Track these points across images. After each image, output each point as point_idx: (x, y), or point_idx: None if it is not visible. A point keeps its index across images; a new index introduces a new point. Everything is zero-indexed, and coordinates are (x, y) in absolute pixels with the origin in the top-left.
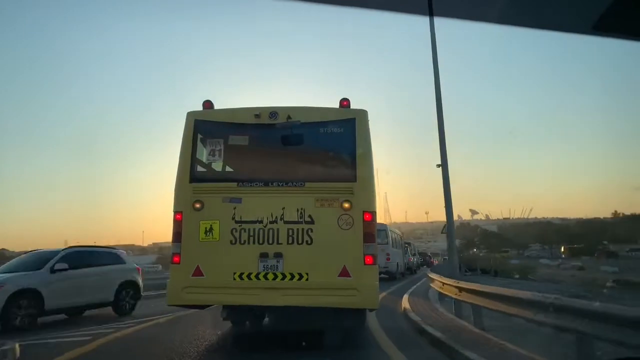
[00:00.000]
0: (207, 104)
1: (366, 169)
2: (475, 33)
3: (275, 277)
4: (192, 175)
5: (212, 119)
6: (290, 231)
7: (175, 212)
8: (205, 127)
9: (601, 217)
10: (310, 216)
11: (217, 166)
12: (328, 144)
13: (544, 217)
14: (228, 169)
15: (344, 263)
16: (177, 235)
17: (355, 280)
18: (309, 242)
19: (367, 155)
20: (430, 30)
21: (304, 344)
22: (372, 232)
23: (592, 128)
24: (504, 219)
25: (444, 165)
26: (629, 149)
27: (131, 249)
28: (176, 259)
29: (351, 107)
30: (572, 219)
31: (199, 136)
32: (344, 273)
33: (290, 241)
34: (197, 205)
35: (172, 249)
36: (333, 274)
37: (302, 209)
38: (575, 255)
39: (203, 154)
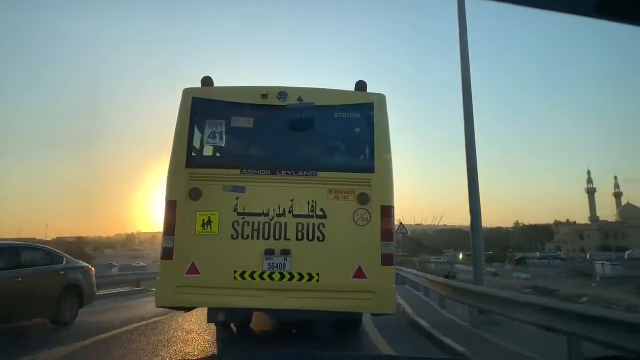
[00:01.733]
0: (207, 80)
1: (385, 159)
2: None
3: (282, 277)
4: (188, 159)
5: (213, 97)
6: (300, 226)
7: (168, 201)
8: (205, 106)
9: (503, 226)
10: (322, 210)
11: (218, 150)
12: (343, 130)
13: (453, 225)
14: (230, 153)
15: (359, 263)
16: (170, 227)
17: (371, 282)
18: (321, 238)
19: (386, 144)
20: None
21: (294, 330)
22: (390, 228)
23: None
24: (417, 224)
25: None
26: (528, 161)
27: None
28: (167, 254)
29: (368, 90)
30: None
31: (197, 116)
32: (359, 274)
33: (299, 237)
34: (194, 194)
35: (162, 243)
36: (347, 275)
37: (313, 201)
38: (487, 261)
39: (201, 136)
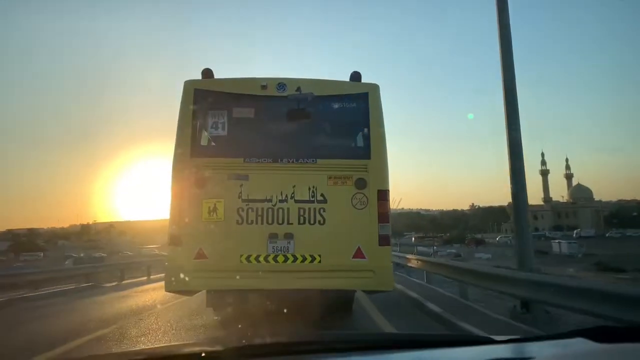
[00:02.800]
0: (208, 73)
1: (380, 146)
2: None
3: (286, 259)
4: (193, 149)
5: (214, 88)
6: (302, 211)
7: (175, 190)
8: (206, 97)
9: (459, 208)
10: (322, 195)
11: (221, 140)
12: (340, 119)
13: (410, 208)
14: (233, 143)
15: (358, 244)
16: (177, 215)
17: (370, 262)
18: (322, 222)
19: (381, 132)
20: None
21: (285, 310)
22: (386, 211)
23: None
24: None
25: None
26: (486, 144)
27: None
28: (176, 241)
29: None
30: (435, 211)
31: (199, 107)
32: (359, 254)
33: (301, 221)
34: (200, 182)
35: (170, 230)
36: (347, 255)
37: (313, 187)
38: (447, 242)
39: (204, 126)
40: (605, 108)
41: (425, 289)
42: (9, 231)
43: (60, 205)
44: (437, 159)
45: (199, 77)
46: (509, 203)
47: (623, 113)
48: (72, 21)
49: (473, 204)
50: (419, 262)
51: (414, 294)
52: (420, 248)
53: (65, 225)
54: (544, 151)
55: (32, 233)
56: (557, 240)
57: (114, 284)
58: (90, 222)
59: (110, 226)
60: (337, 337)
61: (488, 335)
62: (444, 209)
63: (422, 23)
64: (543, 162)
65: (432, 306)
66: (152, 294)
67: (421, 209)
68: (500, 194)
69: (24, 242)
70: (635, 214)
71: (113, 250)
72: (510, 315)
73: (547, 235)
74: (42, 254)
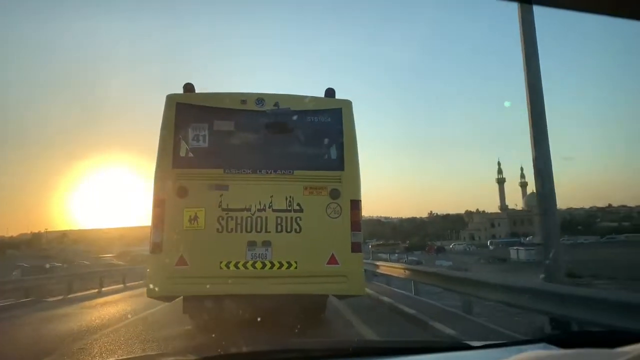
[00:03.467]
0: (189, 87)
1: (353, 158)
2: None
3: (264, 265)
4: (175, 160)
5: (195, 102)
6: (279, 219)
7: (157, 199)
8: (188, 111)
9: (418, 216)
10: (299, 204)
11: (202, 152)
12: (315, 133)
13: (370, 216)
14: (213, 155)
15: (332, 251)
16: (158, 223)
17: (343, 268)
18: (298, 230)
19: (353, 145)
20: None
21: (259, 318)
22: (358, 220)
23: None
24: None
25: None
26: (439, 151)
27: None
28: (157, 248)
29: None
30: (395, 218)
31: (181, 120)
32: (332, 261)
33: (279, 229)
34: (181, 192)
35: (152, 238)
36: (322, 261)
37: (290, 197)
38: (408, 250)
39: (186, 138)
40: (557, 116)
41: (418, 302)
42: None
43: (9, 213)
44: (398, 167)
45: (173, 89)
46: (466, 211)
47: (572, 121)
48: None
49: (432, 211)
50: (408, 272)
51: (409, 310)
52: (380, 255)
53: (15, 234)
54: (500, 160)
55: None
56: (514, 248)
57: (59, 297)
58: (42, 231)
59: (63, 235)
60: (315, 345)
61: (466, 342)
62: (404, 217)
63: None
64: (499, 171)
65: (441, 326)
66: (100, 311)
67: (381, 216)
68: (457, 203)
69: None
70: (598, 219)
71: (67, 259)
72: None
73: (522, 242)
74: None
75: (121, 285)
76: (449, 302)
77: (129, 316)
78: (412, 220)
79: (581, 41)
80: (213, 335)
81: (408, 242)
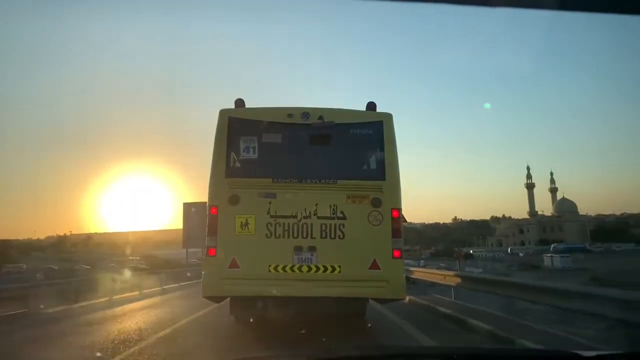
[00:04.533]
0: (240, 103)
1: (393, 169)
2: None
3: (310, 269)
4: (227, 170)
5: (246, 116)
6: (324, 226)
7: (211, 206)
8: (239, 124)
9: (441, 222)
10: (342, 212)
11: (252, 162)
12: (358, 144)
13: None
14: (262, 165)
15: (374, 256)
16: (213, 228)
17: (385, 273)
18: (341, 236)
19: (394, 156)
20: None
21: (302, 330)
22: (399, 227)
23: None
24: None
25: None
26: (463, 156)
27: None
28: (212, 251)
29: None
30: (417, 223)
31: (233, 133)
32: (374, 266)
33: (323, 235)
34: (233, 200)
35: (207, 242)
36: (364, 266)
37: (334, 205)
38: (435, 256)
39: (237, 150)
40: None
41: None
42: None
43: (37, 217)
44: (421, 171)
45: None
46: (492, 217)
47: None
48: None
49: (456, 217)
50: (455, 278)
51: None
52: (407, 261)
53: (42, 236)
54: (529, 164)
55: (4, 244)
56: (548, 255)
57: (59, 308)
58: (68, 233)
59: (88, 237)
60: (421, 351)
61: (574, 351)
62: (427, 222)
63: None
64: (529, 176)
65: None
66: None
67: (404, 222)
68: (482, 208)
69: None
70: (631, 226)
71: (92, 262)
72: None
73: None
74: (24, 266)
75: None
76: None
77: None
78: (436, 226)
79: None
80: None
81: (433, 248)
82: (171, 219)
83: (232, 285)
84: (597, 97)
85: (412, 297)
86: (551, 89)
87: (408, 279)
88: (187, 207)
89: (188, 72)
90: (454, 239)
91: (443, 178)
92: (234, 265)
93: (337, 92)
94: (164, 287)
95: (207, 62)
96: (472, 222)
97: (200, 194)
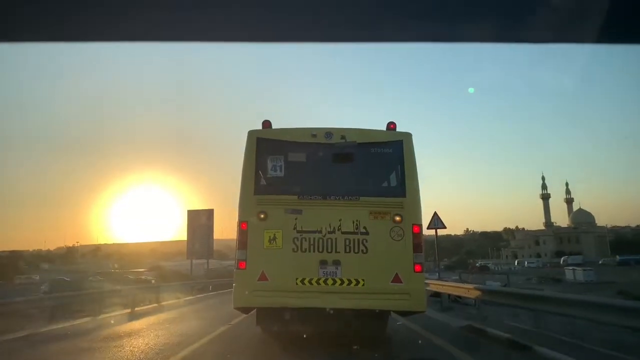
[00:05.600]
0: (267, 124)
1: (414, 186)
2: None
3: (335, 282)
4: (256, 188)
5: (272, 137)
6: (347, 241)
7: (241, 222)
8: (266, 144)
9: (452, 234)
10: (365, 227)
11: (279, 180)
12: (379, 163)
13: None
14: (289, 183)
15: (396, 270)
16: (243, 243)
17: (406, 286)
18: (364, 251)
19: (414, 173)
20: None
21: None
22: (420, 242)
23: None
24: None
25: None
26: (478, 169)
27: None
28: (242, 264)
29: (397, 129)
30: (428, 236)
31: (261, 152)
32: (397, 279)
33: (347, 250)
34: (262, 216)
35: (237, 256)
36: (386, 280)
37: (357, 220)
38: (450, 269)
39: (265, 168)
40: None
41: None
42: None
43: (47, 227)
44: (432, 182)
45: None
46: (505, 228)
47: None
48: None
49: (468, 228)
50: (477, 292)
51: None
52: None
53: (52, 247)
54: (544, 175)
55: (14, 255)
56: (570, 268)
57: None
58: (76, 244)
59: (96, 248)
60: None
61: None
62: (439, 234)
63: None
64: (544, 186)
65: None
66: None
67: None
68: (495, 220)
69: (5, 264)
70: None
71: (100, 272)
72: None
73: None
74: (37, 277)
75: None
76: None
77: None
78: (448, 238)
79: None
80: None
81: (446, 259)
82: (179, 230)
83: (261, 297)
84: (611, 107)
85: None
86: (567, 99)
87: (437, 294)
88: (192, 214)
89: (200, 85)
90: (467, 251)
91: (453, 188)
92: (263, 278)
93: (360, 111)
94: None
95: (218, 76)
96: (484, 234)
97: (204, 202)
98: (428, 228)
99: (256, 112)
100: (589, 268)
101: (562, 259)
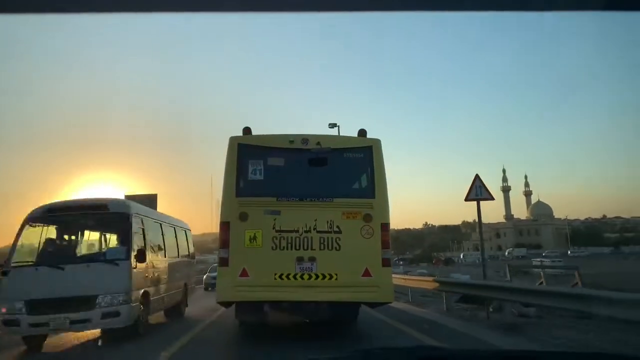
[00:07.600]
0: (247, 130)
1: (382, 188)
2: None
3: (310, 277)
4: (237, 190)
5: (253, 142)
6: (322, 239)
7: (223, 222)
8: (247, 149)
9: (411, 227)
10: (338, 227)
11: (259, 183)
12: (351, 167)
13: None
14: (268, 185)
15: (366, 265)
16: (225, 242)
17: (376, 279)
18: (338, 248)
19: (382, 176)
20: None
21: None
22: (388, 239)
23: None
24: None
25: None
26: (443, 162)
27: None
28: (224, 262)
29: (367, 136)
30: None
31: (242, 157)
32: (367, 273)
33: (322, 247)
34: (243, 217)
35: (220, 254)
36: (358, 274)
37: (331, 220)
38: (414, 262)
39: (246, 172)
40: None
41: None
42: None
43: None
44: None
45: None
46: (463, 221)
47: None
48: None
49: (426, 222)
50: (437, 284)
51: None
52: None
53: None
54: (505, 168)
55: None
56: (538, 260)
57: None
58: None
59: None
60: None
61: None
62: (397, 228)
63: None
64: (504, 179)
65: None
66: None
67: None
68: (453, 213)
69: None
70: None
71: None
72: None
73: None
74: None
75: None
76: None
77: None
78: (407, 232)
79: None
80: None
81: (408, 253)
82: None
83: (242, 292)
84: (569, 102)
85: None
86: (526, 91)
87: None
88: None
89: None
90: (428, 244)
91: (410, 182)
92: (244, 274)
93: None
94: None
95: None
96: (443, 227)
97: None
98: (466, 200)
99: (236, 116)
100: (557, 259)
101: (507, 251)
